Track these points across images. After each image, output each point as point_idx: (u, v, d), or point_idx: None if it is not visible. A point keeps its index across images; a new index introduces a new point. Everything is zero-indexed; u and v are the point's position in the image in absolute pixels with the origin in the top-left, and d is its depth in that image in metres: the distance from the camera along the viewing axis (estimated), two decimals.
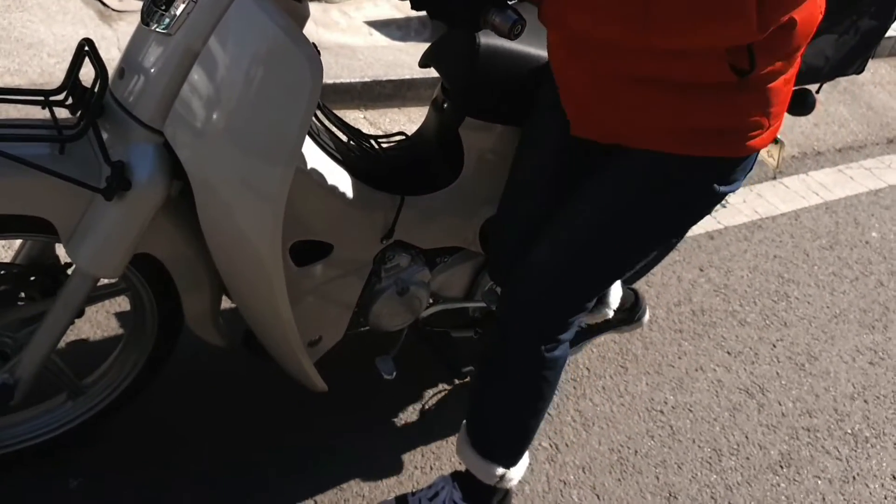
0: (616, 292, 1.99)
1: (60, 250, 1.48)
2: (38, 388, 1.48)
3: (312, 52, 1.18)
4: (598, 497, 1.85)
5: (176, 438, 1.73)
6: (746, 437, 2.10)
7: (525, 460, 1.66)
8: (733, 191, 1.34)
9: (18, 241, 1.73)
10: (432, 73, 3.09)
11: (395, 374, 1.72)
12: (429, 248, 1.69)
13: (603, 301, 1.95)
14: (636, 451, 1.99)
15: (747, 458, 2.04)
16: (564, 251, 1.39)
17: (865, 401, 2.30)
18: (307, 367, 1.57)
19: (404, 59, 3.30)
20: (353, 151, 1.56)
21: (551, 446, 1.93)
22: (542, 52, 1.52)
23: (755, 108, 1.20)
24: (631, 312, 2.15)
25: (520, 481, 1.69)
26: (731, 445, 2.06)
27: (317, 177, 1.42)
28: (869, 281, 2.85)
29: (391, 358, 1.74)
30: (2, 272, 1.42)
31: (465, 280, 1.81)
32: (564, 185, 1.44)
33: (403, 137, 1.71)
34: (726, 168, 1.28)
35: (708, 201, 1.35)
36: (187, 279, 1.45)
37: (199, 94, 1.20)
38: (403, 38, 3.64)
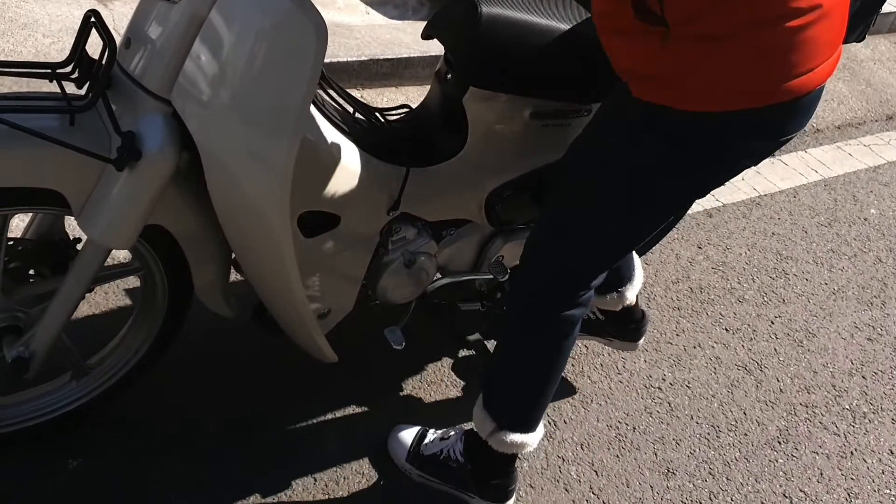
0: (637, 281, 1.94)
1: (69, 226, 1.48)
2: (44, 368, 1.47)
3: (317, 16, 1.17)
4: (597, 473, 1.86)
5: (180, 415, 1.73)
6: (744, 414, 2.11)
7: (533, 437, 1.61)
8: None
9: (25, 220, 1.73)
10: (430, 51, 3.12)
11: (404, 344, 1.72)
12: (435, 221, 1.69)
13: (621, 284, 1.91)
14: (634, 428, 2.00)
15: (745, 434, 2.05)
16: (554, 202, 1.45)
17: (863, 377, 2.32)
18: (318, 338, 1.57)
19: (401, 38, 3.28)
20: (359, 123, 1.56)
21: (550, 423, 1.94)
22: (546, 21, 1.51)
23: (675, 59, 1.16)
24: (635, 332, 2.07)
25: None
26: (729, 421, 2.08)
27: (323, 147, 1.42)
28: (867, 258, 2.86)
29: (400, 329, 1.74)
30: (18, 247, 1.42)
31: (471, 252, 1.81)
32: None
33: (408, 109, 1.71)
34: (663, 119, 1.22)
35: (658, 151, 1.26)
36: (197, 250, 1.45)
37: (205, 62, 1.19)
38: (400, 17, 3.63)
